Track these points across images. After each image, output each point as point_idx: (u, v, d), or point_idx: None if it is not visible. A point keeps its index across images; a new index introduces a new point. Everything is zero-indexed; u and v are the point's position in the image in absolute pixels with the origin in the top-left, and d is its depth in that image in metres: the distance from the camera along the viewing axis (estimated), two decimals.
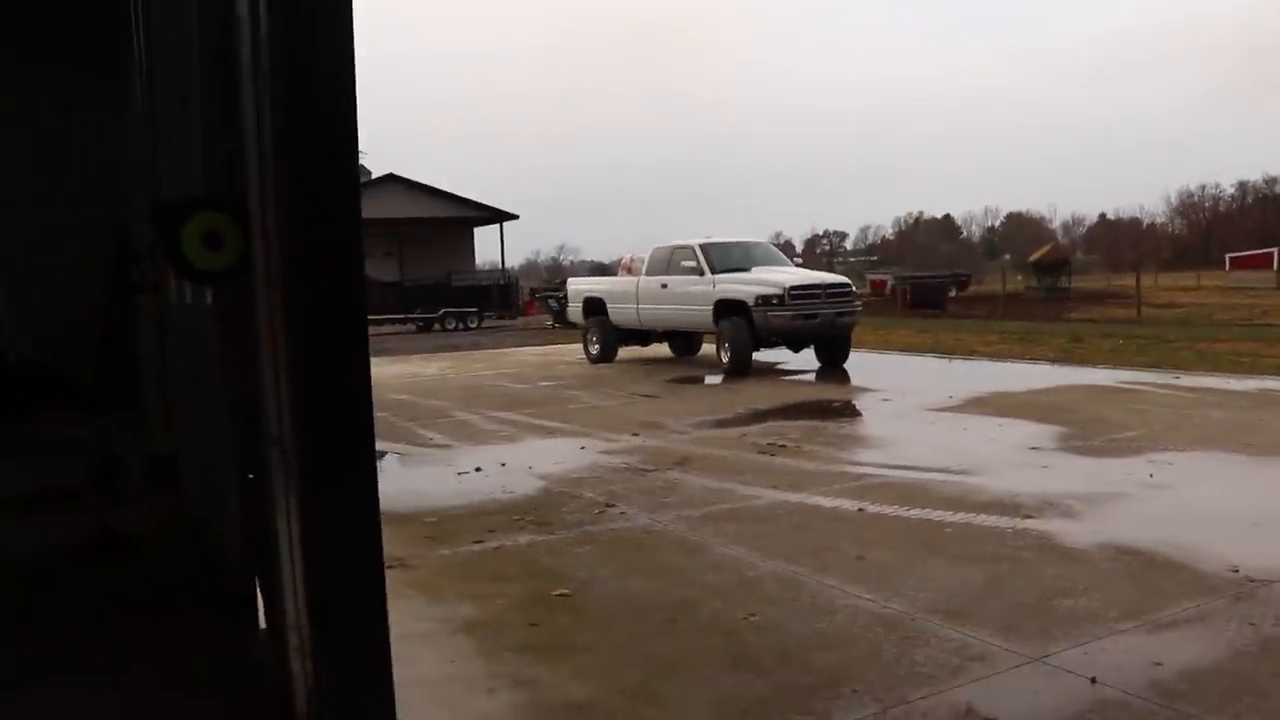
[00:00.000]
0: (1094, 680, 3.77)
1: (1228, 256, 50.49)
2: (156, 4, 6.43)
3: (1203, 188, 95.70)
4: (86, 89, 8.83)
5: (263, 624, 4.02)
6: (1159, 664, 3.90)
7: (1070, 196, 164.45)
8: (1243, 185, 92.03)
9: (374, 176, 36.73)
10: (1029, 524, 6.07)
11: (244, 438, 3.95)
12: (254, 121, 3.31)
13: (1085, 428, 9.48)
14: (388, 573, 3.59)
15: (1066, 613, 4.54)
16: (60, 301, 9.53)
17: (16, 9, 9.63)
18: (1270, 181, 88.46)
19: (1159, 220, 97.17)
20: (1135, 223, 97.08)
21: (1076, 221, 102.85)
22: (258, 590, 4.07)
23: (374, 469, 3.40)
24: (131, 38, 7.61)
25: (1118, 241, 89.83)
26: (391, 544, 4.73)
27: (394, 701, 3.29)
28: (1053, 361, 16.03)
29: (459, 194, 39.18)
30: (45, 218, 9.16)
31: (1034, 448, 8.64)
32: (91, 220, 9.31)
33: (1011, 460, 8.13)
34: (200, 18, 4.35)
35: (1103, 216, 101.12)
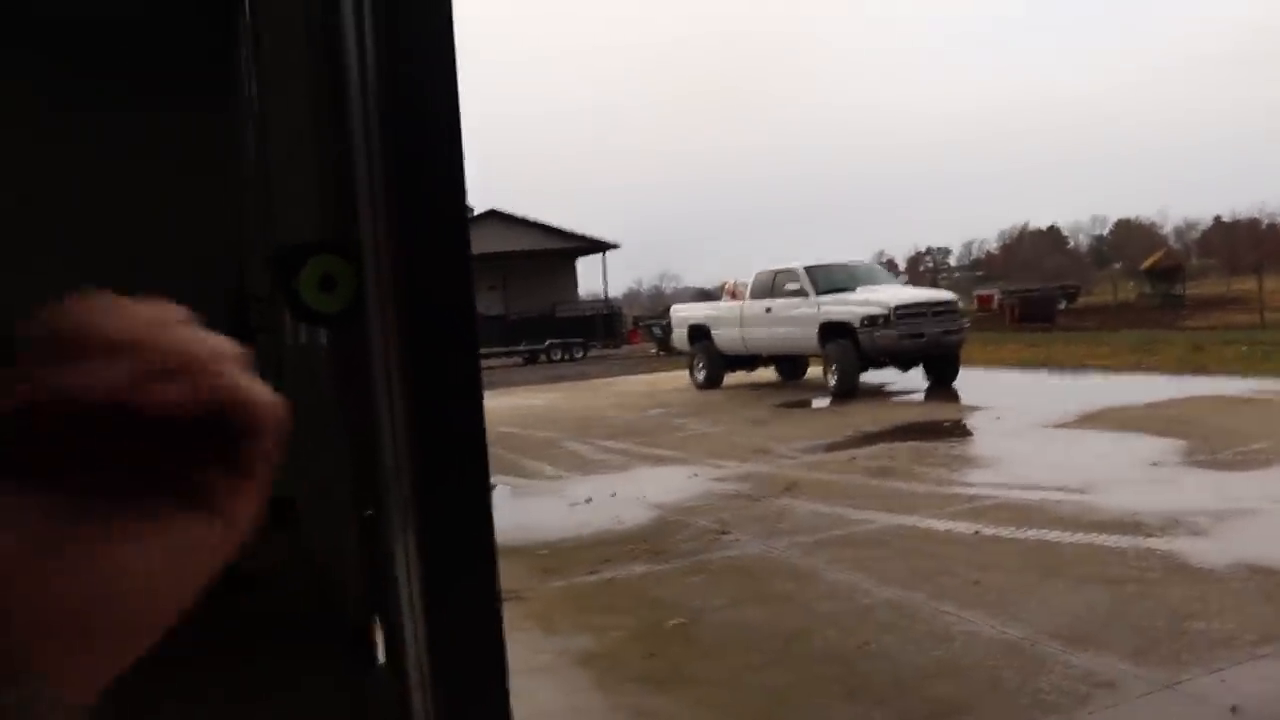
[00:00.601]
0: (1234, 709, 3.62)
1: None
2: (267, 46, 6.69)
3: None
4: (203, 131, 9.20)
5: (382, 659, 4.11)
6: None
7: (1182, 200, 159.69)
8: None
9: (476, 213, 37.44)
10: (1153, 543, 5.87)
11: (361, 475, 4.06)
12: (365, 165, 3.42)
13: (1210, 441, 9.14)
14: (504, 605, 3.64)
15: (1199, 636, 4.38)
16: None
17: (131, 52, 10.10)
18: None
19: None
20: (1254, 223, 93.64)
21: (1190, 226, 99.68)
22: (377, 627, 4.16)
23: (489, 502, 3.47)
24: (245, 80, 7.92)
25: (1236, 244, 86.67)
26: (506, 577, 4.79)
27: None
28: (1171, 372, 15.51)
29: (560, 226, 39.68)
30: (164, 264, 9.55)
31: (1155, 463, 8.37)
32: (210, 265, 9.66)
33: (1131, 477, 7.88)
34: (312, 60, 4.51)
35: (1218, 219, 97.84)
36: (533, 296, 37.82)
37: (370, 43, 3.28)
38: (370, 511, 4.33)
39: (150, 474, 0.30)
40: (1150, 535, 6.04)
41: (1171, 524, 6.26)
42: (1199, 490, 7.22)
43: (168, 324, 0.31)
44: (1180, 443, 9.17)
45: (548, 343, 34.19)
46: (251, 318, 8.48)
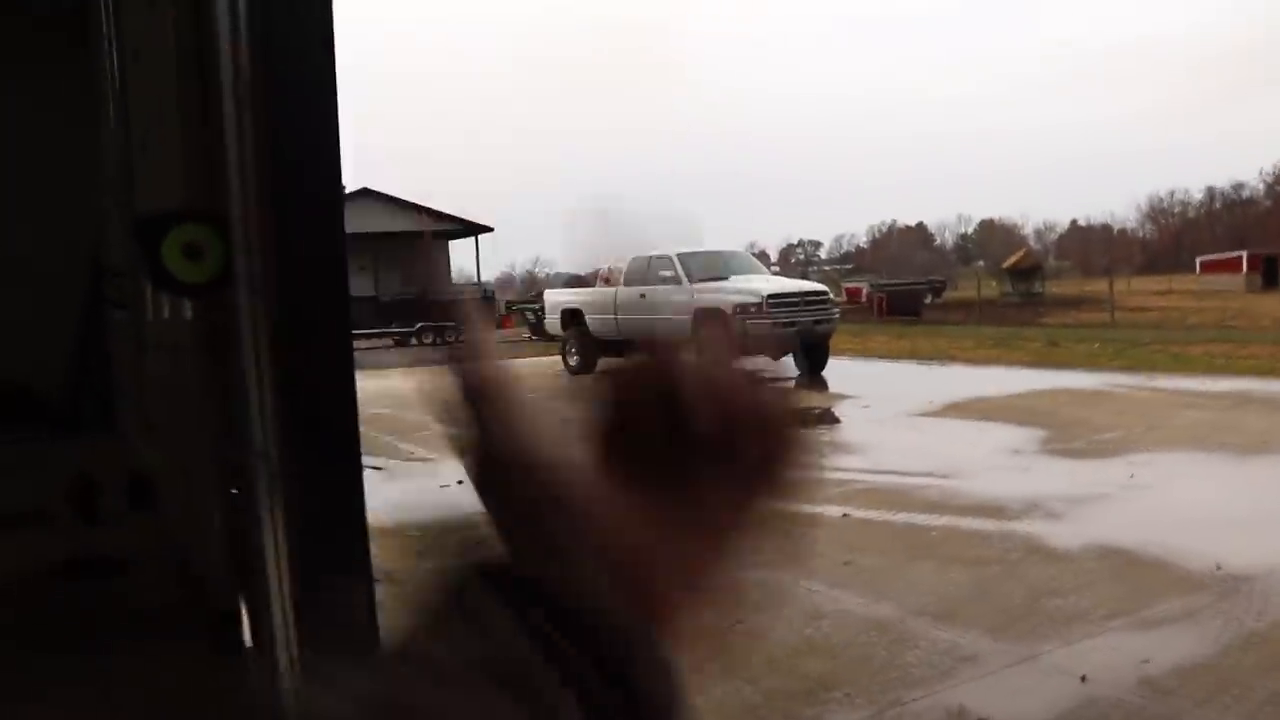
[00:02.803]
0: (1084, 678, 3.77)
1: (1198, 260, 50.92)
2: (129, 16, 6.40)
3: (1172, 194, 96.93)
4: (57, 102, 8.76)
5: (249, 642, 3.98)
6: (1147, 661, 3.92)
7: (1041, 204, 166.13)
8: (1211, 191, 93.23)
9: (348, 191, 36.60)
10: (1014, 526, 6.09)
11: (226, 453, 3.91)
12: (234, 133, 3.29)
13: (1066, 431, 9.52)
14: (375, 588, 3.56)
15: (1055, 612, 4.56)
16: (32, 319, 9.43)
17: None
18: (1237, 187, 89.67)
19: (1129, 226, 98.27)
20: (1106, 229, 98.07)
21: (1048, 228, 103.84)
22: (244, 610, 4.03)
23: (362, 482, 3.37)
24: (104, 49, 7.56)
25: (1089, 247, 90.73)
26: (378, 558, 4.69)
27: None
28: (1030, 365, 16.11)
29: (434, 208, 39.12)
30: (15, 234, 9.07)
31: (1015, 451, 8.68)
32: (65, 236, 9.22)
33: (994, 464, 8.16)
34: (177, 29, 4.32)
35: (1074, 223, 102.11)
36: (405, 279, 37.22)
37: (242, 7, 3.14)
38: (236, 490, 4.17)
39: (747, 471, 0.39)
40: (1011, 519, 6.26)
41: (1031, 508, 6.50)
42: (1055, 477, 7.52)
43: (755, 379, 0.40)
44: (1038, 432, 9.54)
45: (419, 325, 33.66)
46: (109, 293, 8.09)
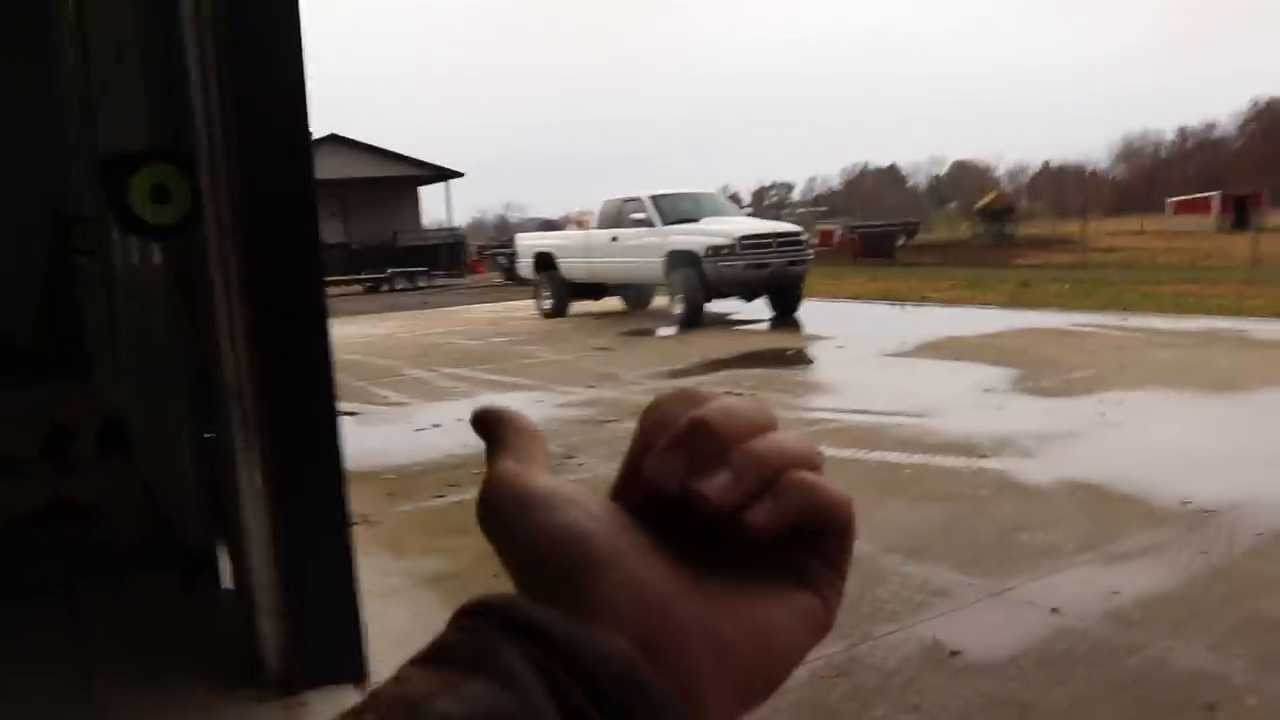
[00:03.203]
0: (1055, 610, 3.84)
1: (1169, 201, 50.98)
2: None
3: (1144, 134, 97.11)
4: (12, 41, 8.56)
5: (225, 584, 3.98)
6: (1116, 593, 3.99)
7: (1014, 145, 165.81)
8: (1183, 131, 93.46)
9: (316, 137, 36.11)
10: (985, 463, 6.15)
11: (200, 396, 3.89)
12: (198, 70, 3.22)
13: (1037, 369, 9.60)
14: (352, 529, 3.57)
15: (1026, 547, 4.62)
16: None
17: None
18: (1209, 127, 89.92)
19: (1102, 167, 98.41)
20: (1079, 170, 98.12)
21: (1020, 169, 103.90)
22: (222, 552, 4.03)
23: (337, 424, 3.36)
24: None
25: (1062, 188, 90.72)
26: (354, 502, 4.70)
27: (365, 656, 3.28)
28: (1002, 306, 16.20)
29: (403, 153, 38.67)
30: None
31: (987, 390, 8.75)
32: (29, 186, 9.07)
33: (966, 403, 8.23)
34: None
35: (1046, 164, 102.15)
36: (375, 225, 36.87)
37: None
38: (211, 434, 4.14)
39: (774, 559, 0.34)
40: (982, 456, 6.32)
41: (1002, 445, 6.57)
42: (1026, 415, 7.59)
43: (769, 430, 0.34)
44: (1010, 371, 9.61)
45: (390, 271, 33.41)
46: (76, 241, 7.96)
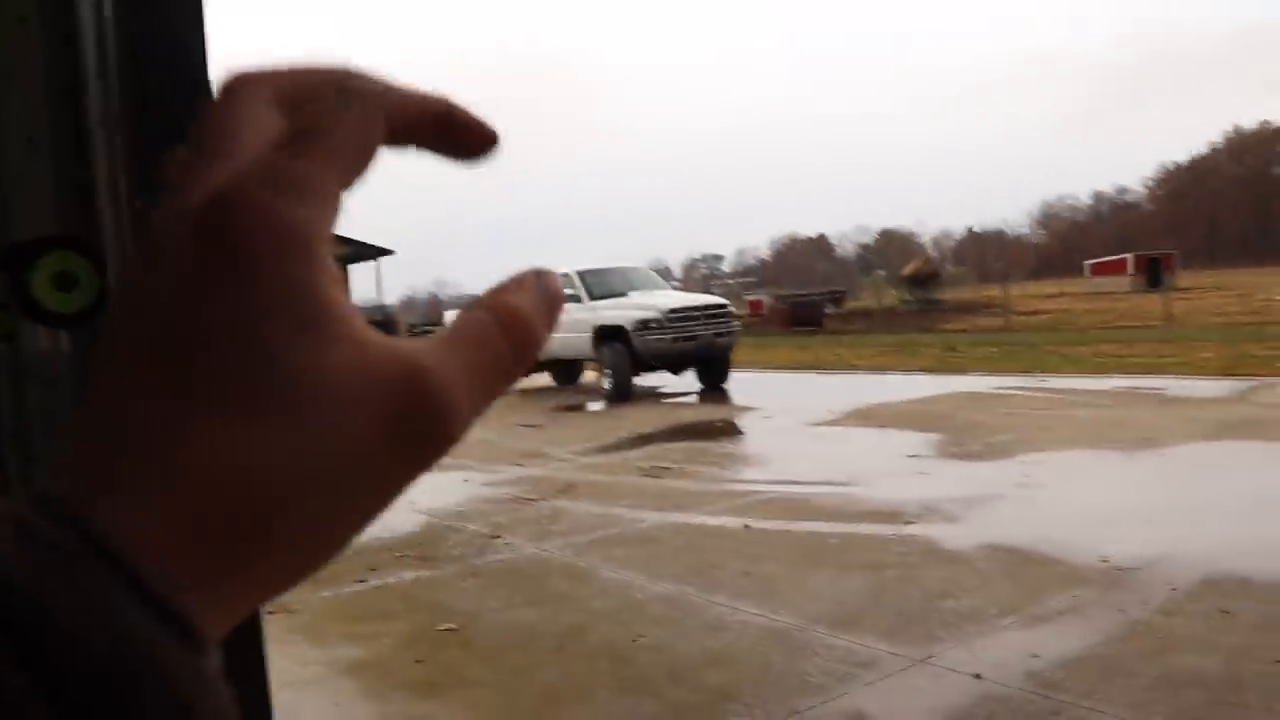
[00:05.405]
0: (977, 676, 3.84)
1: (1086, 263, 52.56)
2: None
3: (1060, 198, 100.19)
4: None
5: None
6: (1037, 655, 4.00)
7: (937, 213, 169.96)
8: (1098, 196, 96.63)
9: None
10: (910, 530, 6.18)
11: None
12: (104, 150, 3.18)
13: (961, 434, 9.73)
14: (269, 619, 3.47)
15: (950, 613, 4.63)
16: None
17: None
18: (1122, 191, 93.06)
19: (1022, 232, 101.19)
20: (1000, 235, 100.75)
21: (945, 235, 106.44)
22: None
23: None
24: None
25: (985, 253, 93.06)
26: None
27: None
28: (929, 371, 16.45)
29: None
30: None
31: (913, 455, 8.83)
32: None
33: (892, 469, 8.28)
34: (45, 59, 4.19)
35: (970, 230, 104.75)
36: None
37: (111, 16, 3.07)
38: None
39: None
40: (908, 523, 6.36)
41: (927, 511, 6.61)
42: (951, 479, 7.66)
43: None
44: (935, 436, 9.72)
45: None
46: None
